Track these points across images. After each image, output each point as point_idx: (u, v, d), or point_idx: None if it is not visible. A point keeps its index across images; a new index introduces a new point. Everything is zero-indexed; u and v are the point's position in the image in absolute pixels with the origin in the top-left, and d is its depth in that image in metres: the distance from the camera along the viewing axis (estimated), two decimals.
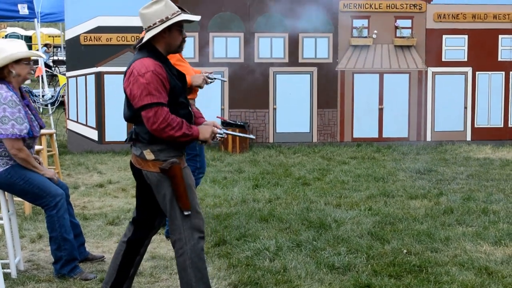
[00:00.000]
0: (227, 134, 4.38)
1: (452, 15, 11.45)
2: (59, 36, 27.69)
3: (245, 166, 9.44)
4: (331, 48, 11.33)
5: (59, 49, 24.51)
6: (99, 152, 10.65)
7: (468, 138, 11.63)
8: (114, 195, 7.84)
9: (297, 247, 5.63)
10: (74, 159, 10.10)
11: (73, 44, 10.89)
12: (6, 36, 26.67)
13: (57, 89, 13.32)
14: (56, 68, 21.62)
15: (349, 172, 8.95)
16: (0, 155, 4.94)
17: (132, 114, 4.06)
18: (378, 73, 11.45)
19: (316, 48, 11.31)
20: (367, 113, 11.44)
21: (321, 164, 9.66)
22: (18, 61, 4.99)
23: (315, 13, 11.05)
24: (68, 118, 11.02)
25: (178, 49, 4.22)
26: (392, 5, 11.34)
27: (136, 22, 10.28)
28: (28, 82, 23.47)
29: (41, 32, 22.64)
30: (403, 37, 11.38)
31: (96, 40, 10.82)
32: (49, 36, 29.07)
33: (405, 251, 5.51)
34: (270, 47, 11.24)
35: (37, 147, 7.16)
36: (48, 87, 14.20)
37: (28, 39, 32.02)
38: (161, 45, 4.10)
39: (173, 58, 5.17)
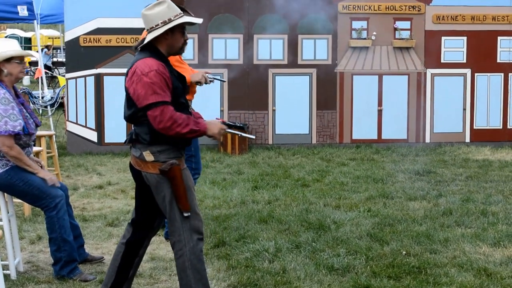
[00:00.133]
0: (230, 133, 4.41)
1: (451, 16, 11.46)
2: (58, 38, 27.71)
3: (244, 168, 9.45)
4: (330, 49, 11.34)
5: (58, 50, 24.52)
6: (99, 154, 10.66)
7: (467, 139, 11.63)
8: (113, 196, 7.84)
9: (296, 248, 5.63)
10: (73, 161, 10.11)
11: (72, 46, 10.90)
12: (6, 38, 26.66)
13: (57, 90, 13.34)
14: (56, 70, 21.63)
15: (348, 174, 8.96)
16: (0, 156, 4.94)
17: (133, 113, 4.06)
18: (377, 75, 11.46)
19: (315, 49, 11.32)
20: (366, 115, 11.45)
21: (320, 165, 9.67)
22: (9, 60, 4.99)
23: (314, 14, 11.08)
24: (68, 120, 11.03)
25: (180, 51, 4.24)
26: (391, 7, 11.35)
27: (135, 23, 10.37)
28: (27, 83, 23.50)
29: (41, 34, 22.65)
30: (402, 39, 11.40)
31: (96, 42, 10.82)
32: (49, 38, 29.09)
33: (404, 252, 5.51)
34: (269, 48, 11.25)
35: (36, 148, 7.18)
36: (48, 88, 14.18)
37: (27, 41, 32.05)
38: (163, 47, 4.12)
39: (172, 59, 5.17)
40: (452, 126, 11.61)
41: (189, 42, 10.64)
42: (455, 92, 11.59)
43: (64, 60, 15.87)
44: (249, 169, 9.34)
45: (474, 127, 11.66)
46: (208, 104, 10.60)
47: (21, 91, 11.25)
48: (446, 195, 7.62)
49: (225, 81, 10.96)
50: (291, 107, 11.30)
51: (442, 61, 11.53)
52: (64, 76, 11.64)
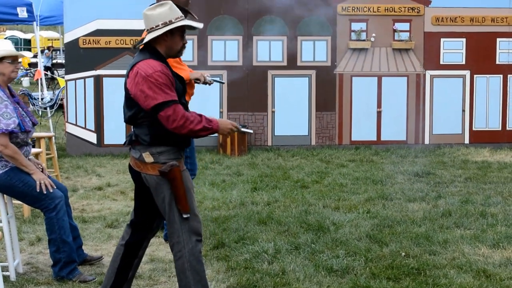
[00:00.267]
0: (239, 131, 4.42)
1: (450, 18, 11.47)
2: (58, 39, 27.73)
3: (243, 169, 9.45)
4: (329, 51, 11.34)
5: (58, 52, 24.53)
6: (98, 155, 10.66)
7: (466, 141, 11.64)
8: (113, 198, 7.85)
9: (296, 249, 5.64)
10: (73, 162, 10.11)
11: (72, 47, 10.90)
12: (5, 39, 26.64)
13: (56, 92, 13.34)
14: (55, 71, 21.63)
15: (348, 175, 8.96)
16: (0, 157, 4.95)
17: (134, 114, 4.06)
18: (376, 76, 11.46)
19: (314, 51, 11.33)
20: (365, 116, 11.45)
21: (320, 167, 9.67)
22: (1, 60, 4.99)
23: (314, 16, 11.09)
24: (67, 121, 11.03)
25: (178, 54, 4.23)
26: (390, 8, 11.36)
27: (135, 25, 10.37)
28: (27, 85, 23.51)
29: (40, 35, 22.68)
30: (401, 40, 11.40)
31: (95, 43, 10.83)
32: (48, 39, 29.11)
33: (403, 253, 5.52)
34: (268, 50, 11.25)
35: (36, 150, 7.18)
36: (47, 90, 14.19)
37: (27, 42, 32.07)
38: (162, 48, 4.12)
39: (170, 61, 5.16)
40: (451, 127, 11.61)
41: (189, 43, 10.66)
42: (454, 94, 11.59)
43: (63, 61, 15.87)
44: (249, 171, 9.34)
45: (473, 129, 11.67)
46: (207, 105, 10.61)
47: (20, 93, 11.30)
48: (445, 197, 7.63)
49: (224, 83, 10.95)
50: (291, 109, 11.31)
51: (441, 62, 11.53)
52: (63, 77, 11.63)
